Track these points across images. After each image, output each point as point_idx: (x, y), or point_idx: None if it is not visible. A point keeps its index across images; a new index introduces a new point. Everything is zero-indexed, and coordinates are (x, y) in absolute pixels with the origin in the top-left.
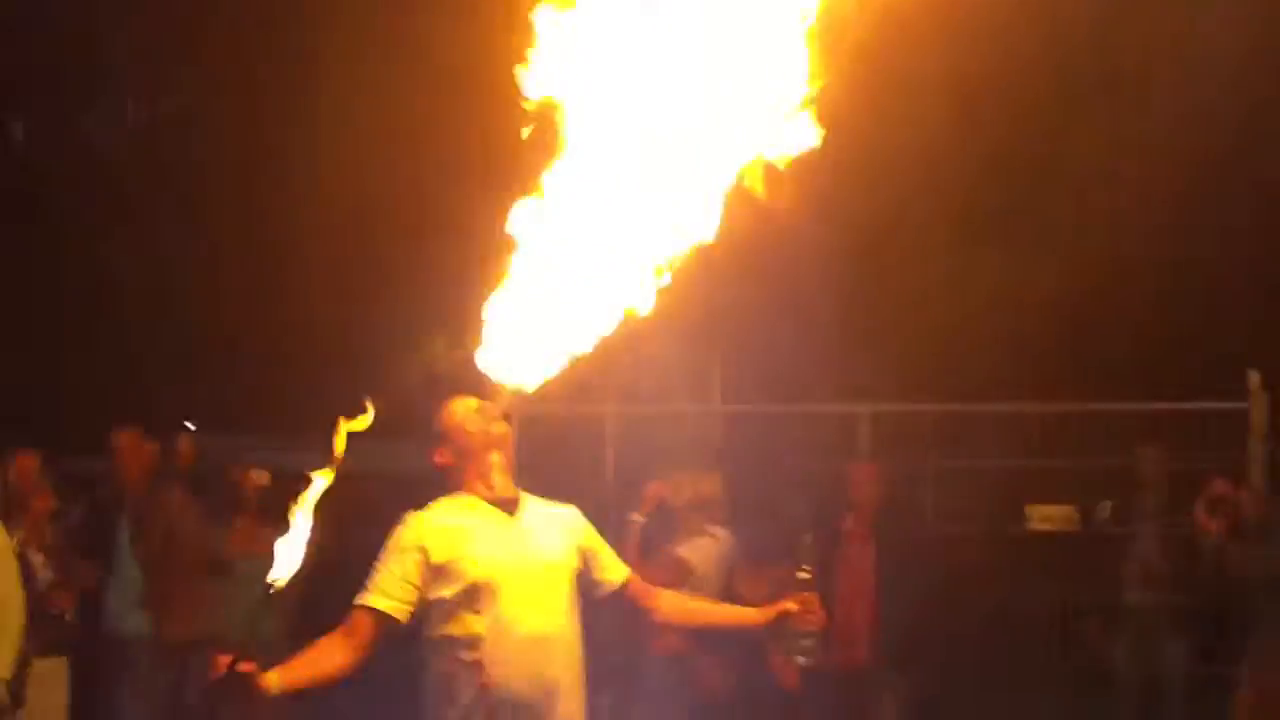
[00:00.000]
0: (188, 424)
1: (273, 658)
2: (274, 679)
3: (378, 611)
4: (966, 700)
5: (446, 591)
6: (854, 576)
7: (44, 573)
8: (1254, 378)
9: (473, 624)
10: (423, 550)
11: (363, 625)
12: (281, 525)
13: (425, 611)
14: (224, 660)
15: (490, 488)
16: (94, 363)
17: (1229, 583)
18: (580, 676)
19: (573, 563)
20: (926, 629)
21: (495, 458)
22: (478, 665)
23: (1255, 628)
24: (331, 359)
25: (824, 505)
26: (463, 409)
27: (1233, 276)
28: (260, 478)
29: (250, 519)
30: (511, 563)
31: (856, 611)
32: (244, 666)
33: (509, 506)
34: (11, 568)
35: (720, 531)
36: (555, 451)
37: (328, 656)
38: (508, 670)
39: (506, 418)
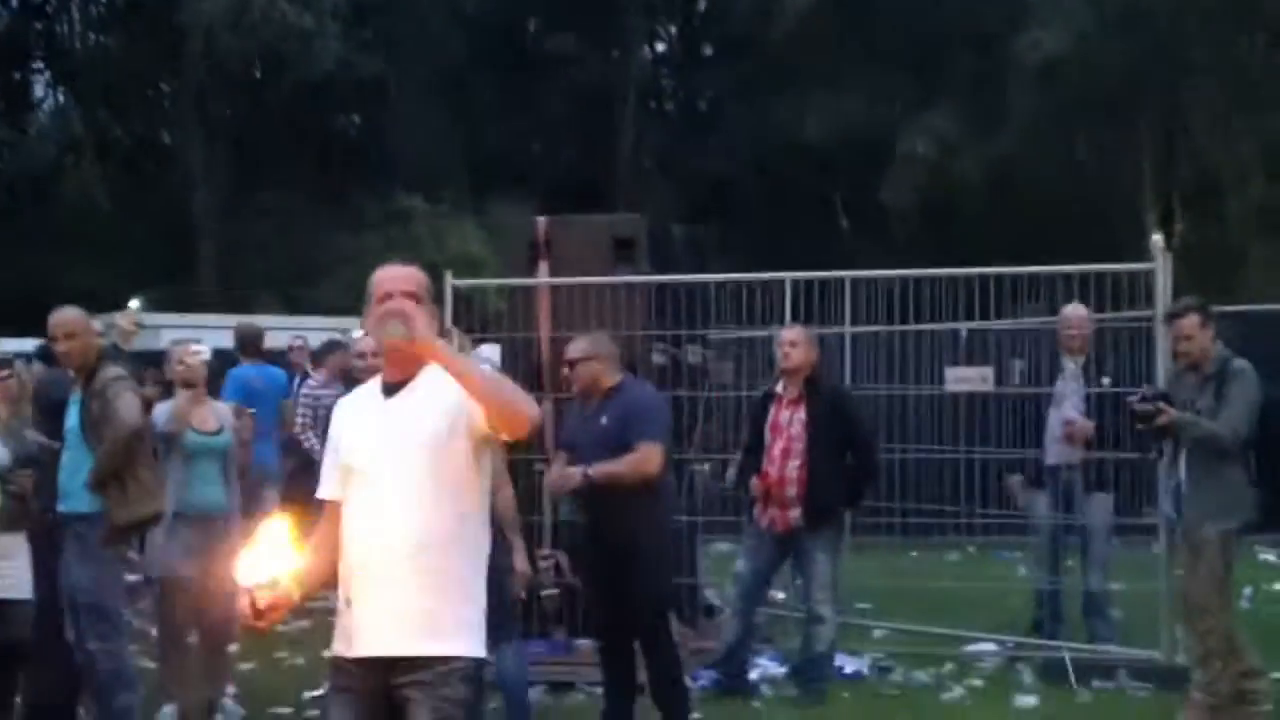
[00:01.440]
0: (132, 302)
1: (229, 525)
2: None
3: (331, 501)
4: (892, 553)
5: (337, 467)
6: (786, 439)
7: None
8: (1157, 240)
9: (345, 497)
10: (332, 430)
11: (328, 516)
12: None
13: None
14: (253, 607)
15: (384, 368)
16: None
17: (1147, 438)
18: (438, 557)
19: (448, 444)
20: (853, 485)
21: (388, 344)
22: (344, 535)
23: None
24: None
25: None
26: (383, 282)
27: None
28: (203, 353)
29: (194, 394)
30: (370, 445)
31: (788, 472)
32: (268, 604)
33: (392, 389)
34: None
35: None
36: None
37: (325, 563)
38: (356, 543)
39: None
